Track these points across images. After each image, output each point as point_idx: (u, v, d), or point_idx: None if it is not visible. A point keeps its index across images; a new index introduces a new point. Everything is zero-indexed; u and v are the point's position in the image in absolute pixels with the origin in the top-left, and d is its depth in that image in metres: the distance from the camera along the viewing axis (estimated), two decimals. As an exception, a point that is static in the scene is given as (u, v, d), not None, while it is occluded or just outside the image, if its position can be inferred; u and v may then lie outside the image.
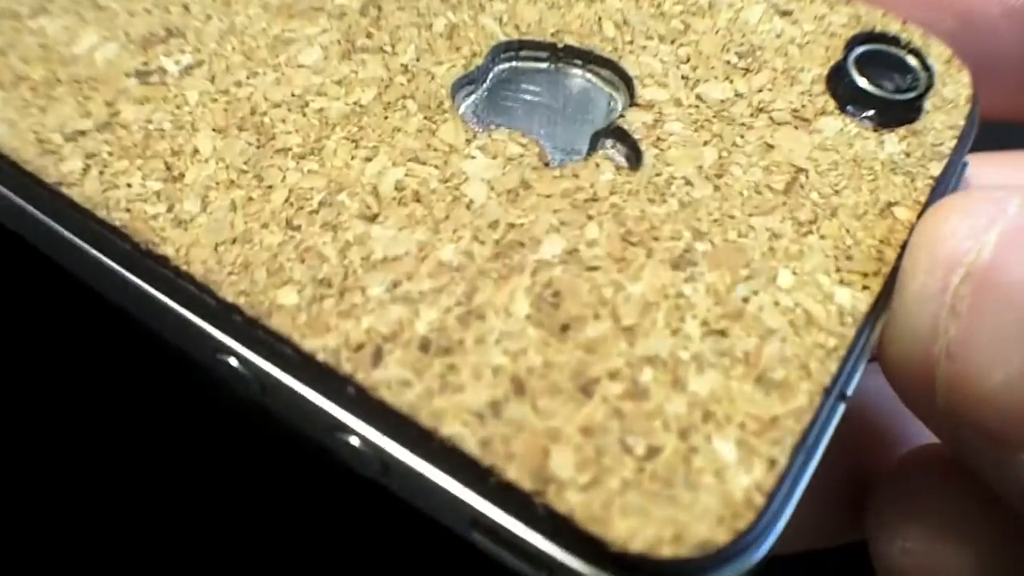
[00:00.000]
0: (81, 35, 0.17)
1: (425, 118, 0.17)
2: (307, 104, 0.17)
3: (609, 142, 0.17)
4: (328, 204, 0.15)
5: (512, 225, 0.15)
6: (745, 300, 0.15)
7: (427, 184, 0.16)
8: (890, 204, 0.16)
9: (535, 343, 0.14)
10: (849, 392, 0.15)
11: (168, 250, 0.15)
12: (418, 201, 0.16)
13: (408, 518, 0.16)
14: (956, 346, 0.14)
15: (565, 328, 0.14)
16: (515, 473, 0.13)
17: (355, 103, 0.17)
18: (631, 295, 0.15)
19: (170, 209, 0.15)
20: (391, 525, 0.21)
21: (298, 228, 0.15)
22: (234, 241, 0.15)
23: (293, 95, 0.17)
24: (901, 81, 0.18)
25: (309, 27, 0.18)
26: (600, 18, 0.18)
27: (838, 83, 0.18)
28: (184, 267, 0.15)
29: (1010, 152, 0.21)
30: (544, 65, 0.18)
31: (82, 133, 0.16)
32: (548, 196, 0.16)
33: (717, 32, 0.18)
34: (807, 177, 0.16)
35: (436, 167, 0.16)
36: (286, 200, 0.16)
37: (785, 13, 0.18)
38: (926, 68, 0.18)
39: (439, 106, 0.17)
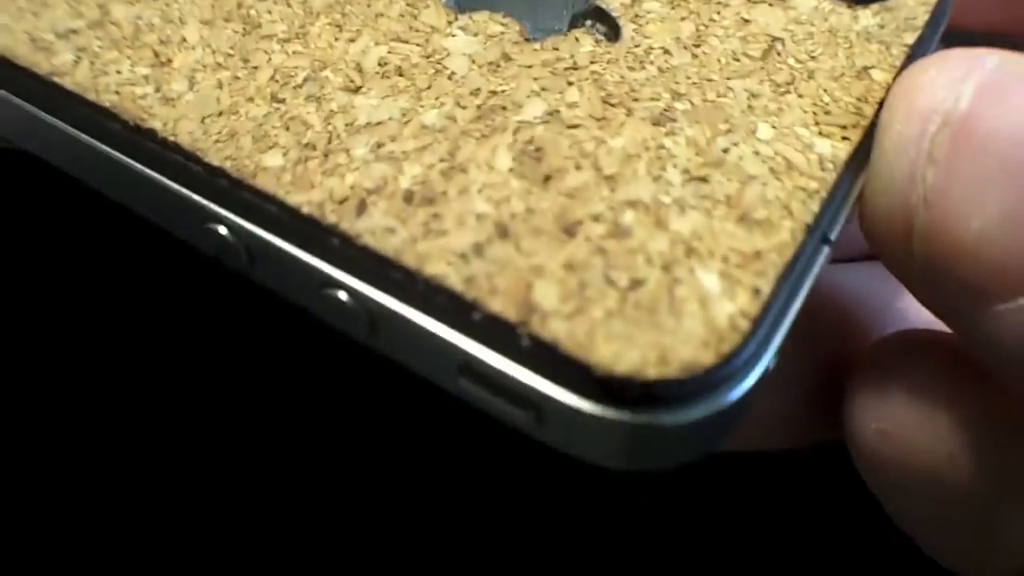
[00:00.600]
0: None
1: (407, 4, 0.17)
2: None
3: (588, 22, 0.17)
4: (312, 79, 0.16)
5: (494, 92, 0.16)
6: (725, 151, 0.15)
7: (409, 60, 0.16)
8: (866, 68, 0.16)
9: (518, 192, 0.14)
10: (832, 236, 0.15)
11: (156, 124, 0.15)
12: (400, 75, 0.16)
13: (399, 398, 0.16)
14: (933, 193, 0.14)
15: (547, 178, 0.15)
16: (499, 305, 0.13)
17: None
18: (612, 148, 0.15)
19: (158, 90, 0.16)
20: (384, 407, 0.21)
21: (283, 101, 0.15)
22: (220, 114, 0.15)
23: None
24: None
25: None
26: None
27: None
28: (171, 138, 0.15)
29: None
30: None
31: (74, 31, 0.16)
32: (529, 66, 0.16)
33: None
34: (783, 45, 0.16)
35: (418, 45, 0.16)
36: (271, 78, 0.16)
37: None
38: None
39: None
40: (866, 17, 0.17)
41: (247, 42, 0.16)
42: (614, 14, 0.17)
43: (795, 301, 0.14)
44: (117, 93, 0.16)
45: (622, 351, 0.13)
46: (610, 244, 0.14)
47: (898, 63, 0.16)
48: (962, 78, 0.14)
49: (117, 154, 0.16)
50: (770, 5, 0.17)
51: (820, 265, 0.14)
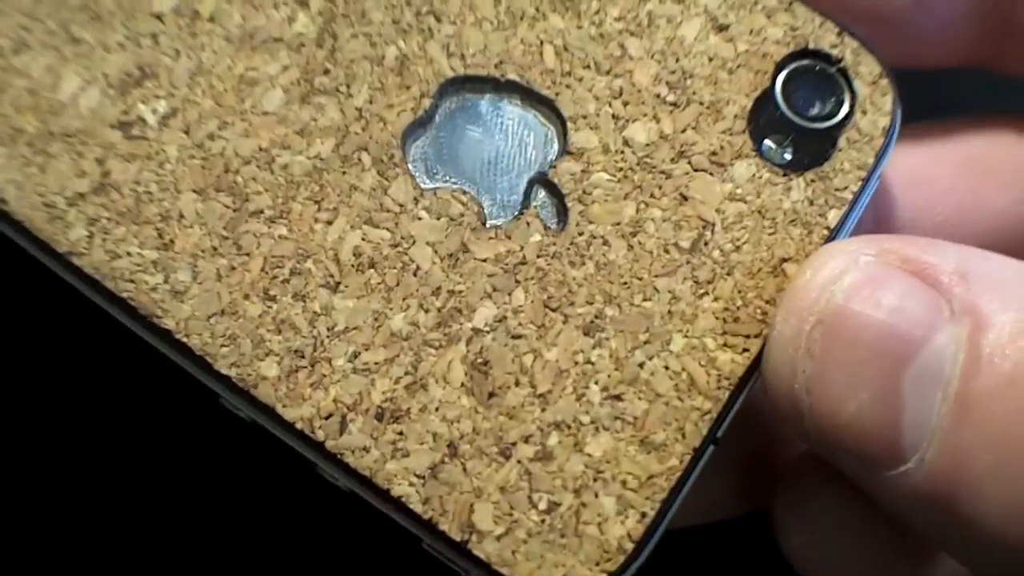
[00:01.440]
0: (64, 77, 0.19)
1: (378, 172, 0.19)
2: (273, 160, 0.19)
3: (541, 193, 0.19)
4: (297, 273, 0.18)
5: (452, 292, 0.18)
6: (640, 365, 0.18)
7: (380, 249, 0.19)
8: (783, 260, 0.19)
9: (466, 410, 0.18)
10: (719, 435, 0.19)
11: (170, 324, 0.18)
12: (373, 267, 0.18)
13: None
14: (812, 383, 0.17)
15: (491, 395, 0.18)
16: (447, 525, 0.18)
17: (316, 156, 0.19)
18: (547, 362, 0.18)
19: (166, 280, 0.18)
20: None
21: (273, 299, 0.18)
22: (223, 313, 0.18)
23: (260, 149, 0.19)
24: (823, 108, 0.20)
25: (271, 64, 0.19)
26: (542, 43, 0.19)
27: (761, 112, 0.19)
28: (184, 339, 0.18)
29: (934, 125, 0.23)
30: (487, 102, 0.20)
31: (81, 196, 0.19)
32: (484, 260, 0.19)
33: (652, 56, 0.19)
34: (712, 233, 0.19)
35: (388, 230, 0.19)
36: (262, 269, 0.18)
37: (722, 28, 0.20)
38: (852, 92, 0.19)
39: (390, 158, 0.19)
40: (798, 190, 0.19)
41: (238, 220, 0.19)
42: (564, 190, 0.19)
43: (673, 507, 0.18)
44: (132, 282, 0.18)
45: (536, 571, 0.18)
46: (536, 467, 0.18)
47: (814, 251, 0.19)
48: (836, 278, 0.17)
49: (135, 326, 0.19)
50: (710, 175, 0.19)
51: (704, 463, 0.18)
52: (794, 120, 0.19)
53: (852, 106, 0.19)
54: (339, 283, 0.18)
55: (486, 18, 0.19)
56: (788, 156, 0.19)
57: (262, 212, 0.19)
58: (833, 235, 0.19)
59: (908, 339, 0.16)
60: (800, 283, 0.18)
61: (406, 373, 0.18)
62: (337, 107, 0.19)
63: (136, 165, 0.19)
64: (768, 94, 0.19)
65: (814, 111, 0.19)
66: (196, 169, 0.19)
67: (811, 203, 0.19)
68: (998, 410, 0.16)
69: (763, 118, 0.19)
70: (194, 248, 0.18)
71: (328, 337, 0.18)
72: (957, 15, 0.21)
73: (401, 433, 0.18)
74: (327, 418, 0.18)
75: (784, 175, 0.19)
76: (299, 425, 0.18)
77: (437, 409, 0.18)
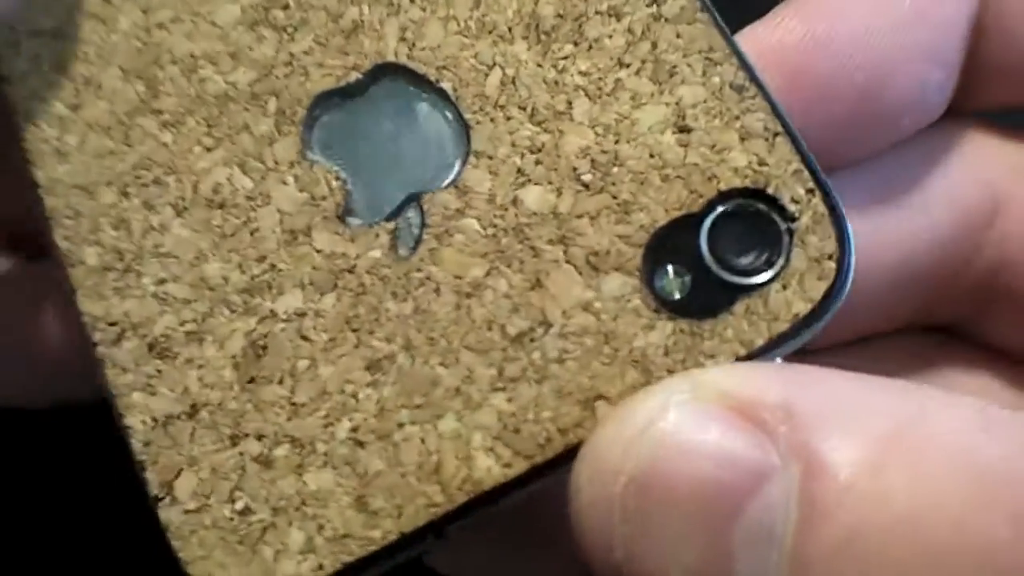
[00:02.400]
0: None
1: (275, 123, 0.18)
2: (196, 70, 0.19)
3: (411, 213, 0.18)
4: (158, 183, 0.18)
5: (273, 267, 0.18)
6: (400, 426, 0.17)
7: (236, 196, 0.18)
8: (599, 397, 0.17)
9: (224, 383, 0.18)
10: (444, 533, 0.17)
11: (40, 177, 0.19)
12: (221, 208, 0.18)
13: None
14: (632, 548, 0.15)
15: (252, 380, 0.18)
16: (151, 476, 0.17)
17: (232, 84, 0.19)
18: (319, 375, 0.17)
19: (59, 138, 0.19)
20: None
21: (127, 196, 0.19)
22: (83, 189, 0.19)
23: (192, 56, 0.19)
24: (744, 260, 0.17)
25: None
26: (493, 65, 0.18)
27: (674, 236, 0.17)
28: (43, 196, 0.19)
29: None
30: (411, 100, 0.18)
31: (35, 34, 0.20)
32: (317, 251, 0.18)
33: (594, 127, 0.17)
34: (545, 333, 0.17)
35: (253, 181, 0.18)
36: (134, 165, 0.19)
37: (683, 129, 0.17)
38: (786, 259, 0.17)
39: (293, 115, 0.18)
40: (661, 332, 0.17)
41: (138, 114, 0.19)
42: (429, 221, 0.18)
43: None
44: (36, 126, 0.19)
45: (200, 559, 0.17)
46: (253, 468, 0.17)
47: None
48: (643, 428, 0.15)
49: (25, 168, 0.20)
50: (578, 274, 0.17)
51: (410, 552, 0.17)
52: (705, 260, 0.17)
53: (776, 275, 0.16)
54: (186, 209, 0.18)
55: (456, 18, 0.18)
56: (677, 295, 0.17)
57: (161, 114, 0.19)
58: None
59: (732, 491, 0.14)
60: (606, 436, 0.16)
61: (193, 320, 0.18)
62: (275, 46, 0.19)
63: (91, 24, 0.19)
64: (691, 221, 0.17)
65: (733, 260, 0.17)
66: (133, 50, 0.19)
67: (665, 353, 0.16)
68: (839, 570, 0.13)
69: (673, 243, 0.17)
70: (93, 120, 0.19)
71: (150, 254, 0.18)
72: (954, 77, 0.20)
73: (160, 372, 0.18)
74: (111, 325, 0.18)
75: (655, 311, 0.17)
76: (86, 318, 0.18)
77: (201, 368, 0.18)
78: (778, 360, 0.17)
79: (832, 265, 0.16)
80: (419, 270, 0.17)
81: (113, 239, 0.18)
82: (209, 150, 0.18)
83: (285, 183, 0.18)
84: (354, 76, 0.18)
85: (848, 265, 0.17)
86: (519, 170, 0.17)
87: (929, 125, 0.20)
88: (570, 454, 0.16)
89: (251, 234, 0.18)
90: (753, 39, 0.19)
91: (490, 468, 0.17)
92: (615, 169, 0.17)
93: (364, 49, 0.18)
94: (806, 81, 0.19)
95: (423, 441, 0.17)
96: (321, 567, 0.17)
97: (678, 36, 0.18)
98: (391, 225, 0.18)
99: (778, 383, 0.15)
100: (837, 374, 0.15)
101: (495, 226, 0.17)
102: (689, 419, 0.15)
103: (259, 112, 0.18)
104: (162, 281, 0.18)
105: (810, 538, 0.14)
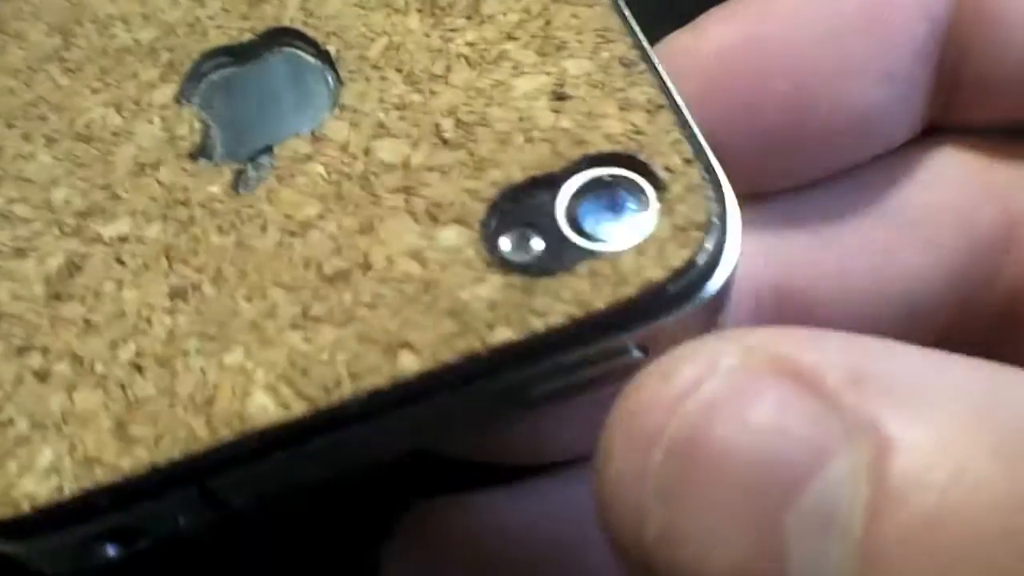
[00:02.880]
0: None
1: (161, 75, 0.18)
2: (109, 28, 0.19)
3: (266, 159, 0.17)
4: (41, 118, 0.18)
5: (114, 195, 0.17)
6: (185, 354, 0.15)
7: (105, 131, 0.18)
8: (404, 344, 0.15)
9: (30, 296, 0.16)
10: (209, 484, 0.15)
11: None
12: (88, 142, 0.18)
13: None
14: (669, 531, 0.12)
15: (57, 297, 0.16)
16: None
17: (136, 40, 0.19)
18: (120, 298, 0.16)
19: None
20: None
21: (11, 127, 0.18)
22: None
23: (109, 15, 0.19)
24: (600, 224, 0.15)
25: None
26: (382, 34, 0.18)
27: (531, 196, 0.16)
28: None
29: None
30: (294, 60, 0.18)
31: None
32: (159, 183, 0.17)
33: (467, 91, 0.17)
34: (363, 276, 0.15)
35: (122, 119, 0.18)
36: (26, 103, 0.19)
37: (560, 96, 0.16)
38: (651, 230, 0.15)
39: (181, 66, 0.18)
40: (491, 287, 0.15)
41: (45, 61, 0.19)
42: (277, 164, 0.17)
43: (99, 504, 0.14)
44: None
45: None
46: (29, 380, 0.16)
47: None
48: (688, 390, 0.13)
49: None
50: (414, 220, 0.16)
51: (159, 489, 0.15)
52: (558, 222, 0.15)
53: (635, 244, 0.15)
54: (56, 140, 0.18)
55: None
56: (524, 256, 0.15)
57: (66, 62, 0.19)
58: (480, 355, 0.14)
59: (790, 470, 0.12)
60: (644, 396, 0.13)
61: (25, 238, 0.17)
62: (185, 9, 0.19)
63: None
64: (550, 182, 0.15)
65: (591, 225, 0.15)
66: (62, 9, 0.20)
67: (490, 307, 0.14)
68: (916, 562, 0.11)
69: (527, 203, 0.15)
70: (7, 65, 0.19)
71: (11, 176, 0.18)
72: (915, 95, 0.18)
73: None
74: None
75: (488, 265, 0.15)
76: None
77: (15, 281, 0.17)
78: (635, 353, 0.15)
79: (699, 235, 0.14)
80: (251, 206, 0.16)
81: None
82: (95, 92, 0.18)
83: (151, 122, 0.18)
84: (247, 37, 0.18)
85: (721, 239, 0.14)
86: (380, 124, 0.16)
87: (921, 142, 0.18)
88: (358, 411, 0.14)
89: (104, 165, 0.17)
90: (670, 48, 0.18)
91: (265, 406, 0.14)
92: (478, 129, 0.16)
93: (264, 15, 0.18)
94: (725, 90, 0.17)
95: (203, 372, 0.15)
96: (61, 489, 0.14)
97: (574, 16, 0.17)
98: (238, 166, 0.17)
99: (842, 349, 0.13)
100: (905, 345, 0.13)
101: (340, 172, 0.16)
102: (740, 384, 0.13)
103: (151, 64, 0.18)
104: (11, 200, 0.17)
105: (882, 525, 0.11)
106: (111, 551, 0.15)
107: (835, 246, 0.18)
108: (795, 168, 0.18)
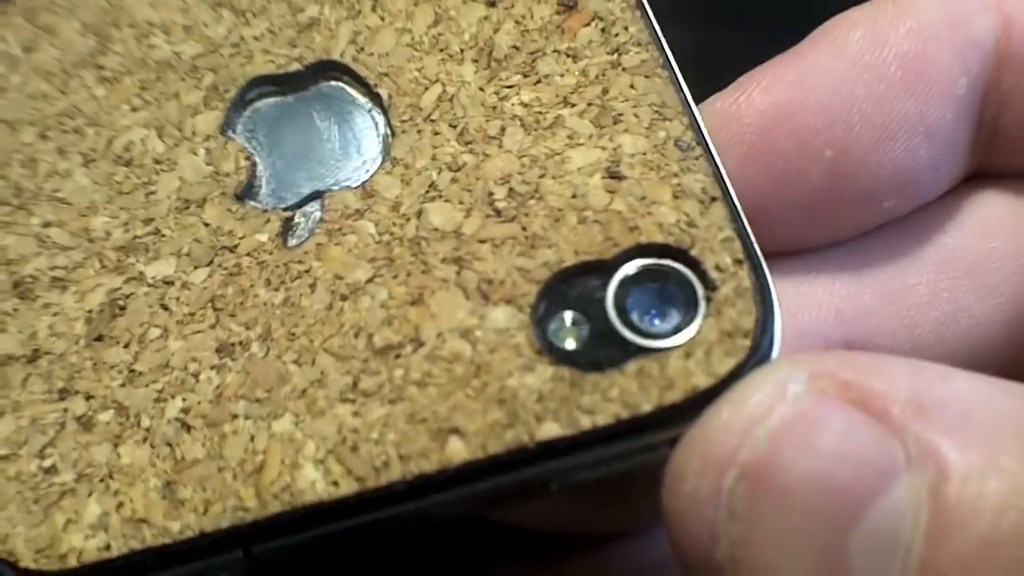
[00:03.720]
0: None
1: (205, 98, 0.18)
2: (149, 37, 0.19)
3: (315, 207, 0.17)
4: (78, 132, 0.18)
5: (156, 231, 0.17)
6: (234, 417, 0.15)
7: (146, 157, 0.17)
8: (454, 430, 0.15)
9: (72, 335, 0.16)
10: (255, 551, 0.15)
11: None
12: (128, 166, 0.17)
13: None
14: (739, 551, 0.13)
15: (100, 338, 0.16)
16: None
17: (177, 55, 0.18)
18: (165, 348, 0.16)
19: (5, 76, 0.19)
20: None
21: (45, 138, 0.18)
22: (8, 124, 0.18)
23: (150, 23, 0.19)
24: (649, 322, 0.15)
25: None
26: (435, 82, 0.17)
27: (580, 282, 0.16)
28: None
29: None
30: (346, 100, 0.18)
31: None
32: (206, 224, 0.17)
33: (521, 157, 0.16)
34: (414, 352, 0.15)
35: (167, 146, 0.18)
36: (60, 112, 0.18)
37: (614, 176, 0.16)
38: (698, 329, 0.15)
39: (225, 92, 0.18)
40: (539, 375, 0.15)
41: (82, 66, 0.19)
42: (327, 217, 0.17)
43: (147, 564, 0.15)
44: None
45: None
46: (72, 427, 0.16)
47: None
48: (760, 417, 0.13)
49: None
50: (466, 299, 0.16)
51: (216, 560, 0.15)
52: (608, 312, 0.15)
53: (682, 342, 0.15)
54: (94, 161, 0.18)
55: (411, 31, 0.18)
56: (568, 342, 0.15)
57: (103, 69, 0.18)
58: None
59: (854, 494, 0.13)
60: (716, 424, 0.14)
61: (63, 267, 0.17)
62: (229, 26, 0.18)
63: None
64: (602, 269, 0.16)
65: (639, 318, 0.15)
66: (98, 8, 0.19)
67: (538, 400, 0.15)
68: None
69: (577, 288, 0.16)
70: (40, 64, 0.19)
71: (47, 196, 0.17)
72: (957, 150, 0.18)
73: (15, 311, 0.17)
74: None
75: (538, 352, 0.15)
76: None
77: (55, 315, 0.16)
78: (665, 450, 0.15)
79: (746, 343, 0.15)
80: (300, 262, 0.16)
81: (18, 175, 0.18)
82: (135, 110, 0.18)
83: (195, 153, 0.17)
84: (294, 67, 0.18)
85: (766, 346, 0.15)
86: (432, 184, 0.16)
87: (964, 188, 0.18)
88: (405, 493, 0.15)
89: (146, 196, 0.17)
90: (711, 113, 0.18)
91: (315, 482, 0.15)
92: (531, 202, 0.16)
93: (313, 44, 0.18)
94: (766, 160, 0.17)
95: (252, 438, 0.15)
96: (108, 548, 0.15)
97: (632, 87, 0.17)
98: (287, 213, 0.17)
99: (906, 376, 0.13)
100: (962, 373, 0.14)
101: (391, 234, 0.16)
102: (808, 410, 0.13)
103: (193, 84, 0.18)
104: (48, 224, 0.17)
105: (943, 548, 0.12)
106: None
107: (903, 300, 0.18)
108: (837, 229, 0.18)
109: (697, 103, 0.17)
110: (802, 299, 0.18)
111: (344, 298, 0.16)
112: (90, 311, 0.16)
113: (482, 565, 0.20)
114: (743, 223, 0.16)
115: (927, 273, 0.18)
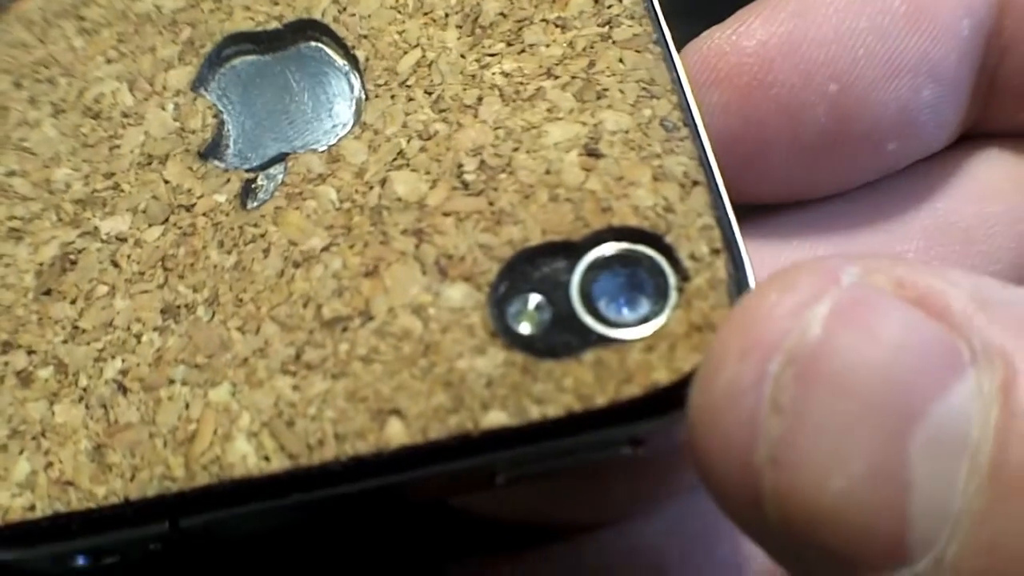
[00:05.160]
0: None
1: (180, 53, 0.17)
2: None
3: (278, 168, 0.16)
4: (50, 82, 0.17)
5: (116, 186, 0.16)
6: (170, 381, 0.15)
7: (114, 110, 0.17)
8: (394, 411, 0.14)
9: (21, 288, 0.16)
10: (182, 524, 0.14)
11: None
12: (96, 118, 0.17)
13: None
14: (782, 449, 0.12)
15: (48, 292, 0.16)
16: None
17: (158, 7, 0.18)
18: (111, 306, 0.15)
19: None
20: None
21: (19, 86, 0.18)
22: None
23: None
24: (614, 310, 0.14)
25: None
26: (415, 47, 0.16)
27: (545, 262, 0.15)
28: None
29: None
30: (322, 61, 0.17)
31: None
32: (166, 181, 0.16)
33: (496, 130, 0.16)
34: (362, 326, 0.15)
35: (134, 100, 0.17)
36: (36, 61, 0.18)
37: (592, 153, 0.15)
38: (664, 319, 0.14)
39: (201, 48, 0.17)
40: (490, 359, 0.14)
41: (63, 16, 0.18)
42: (288, 181, 0.16)
43: (69, 531, 0.14)
44: None
45: None
46: (11, 381, 0.15)
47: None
48: (811, 301, 0.12)
49: None
50: (422, 273, 0.15)
51: (141, 531, 0.14)
52: (571, 297, 0.14)
53: (646, 334, 0.14)
54: (63, 112, 0.17)
55: None
56: (528, 328, 0.14)
57: (83, 20, 0.18)
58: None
59: (917, 389, 0.11)
60: (762, 306, 0.12)
61: (21, 218, 0.16)
62: None
63: None
64: (568, 250, 0.15)
65: (604, 305, 0.14)
66: None
67: (487, 384, 0.14)
68: None
69: (541, 269, 0.15)
70: (23, 13, 0.18)
71: (13, 145, 0.17)
72: (959, 94, 0.17)
73: None
74: None
75: (492, 334, 0.14)
76: None
77: (7, 266, 0.16)
78: (626, 448, 0.14)
79: (707, 336, 0.14)
80: (256, 225, 0.15)
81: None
82: (109, 62, 0.17)
83: (163, 108, 0.17)
84: (273, 25, 0.17)
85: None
86: (400, 152, 0.16)
87: (959, 149, 0.17)
88: (339, 474, 0.14)
89: (110, 149, 0.17)
90: (711, 44, 0.16)
91: (246, 456, 0.14)
92: (502, 176, 0.15)
93: (295, 2, 0.17)
94: (766, 94, 0.16)
95: (187, 405, 0.14)
96: (33, 508, 0.14)
97: (621, 61, 0.16)
98: (249, 175, 0.16)
99: (963, 277, 0.12)
100: (1018, 288, 0.13)
101: (353, 201, 0.15)
102: (865, 299, 0.12)
103: (170, 38, 0.17)
104: (11, 173, 0.17)
105: (1015, 449, 0.11)
106: (81, 561, 0.15)
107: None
108: (839, 173, 0.17)
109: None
110: (782, 264, 0.17)
111: (297, 265, 0.15)
112: (41, 264, 0.16)
113: (443, 564, 0.19)
114: (726, 211, 0.15)
115: (916, 239, 0.17)
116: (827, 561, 0.12)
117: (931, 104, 0.16)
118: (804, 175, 0.17)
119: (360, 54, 0.16)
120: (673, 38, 0.16)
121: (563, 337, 0.14)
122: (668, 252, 0.14)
